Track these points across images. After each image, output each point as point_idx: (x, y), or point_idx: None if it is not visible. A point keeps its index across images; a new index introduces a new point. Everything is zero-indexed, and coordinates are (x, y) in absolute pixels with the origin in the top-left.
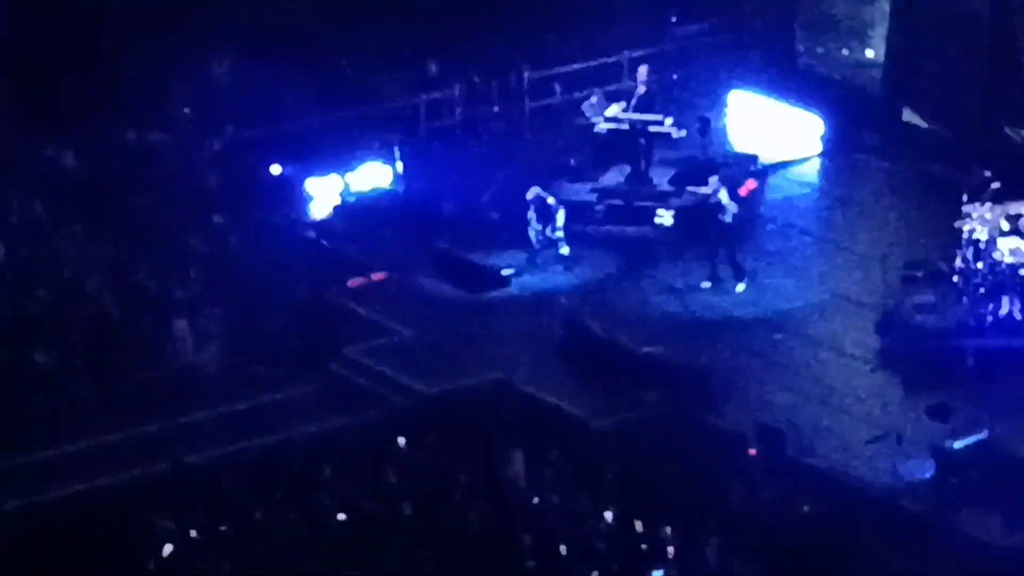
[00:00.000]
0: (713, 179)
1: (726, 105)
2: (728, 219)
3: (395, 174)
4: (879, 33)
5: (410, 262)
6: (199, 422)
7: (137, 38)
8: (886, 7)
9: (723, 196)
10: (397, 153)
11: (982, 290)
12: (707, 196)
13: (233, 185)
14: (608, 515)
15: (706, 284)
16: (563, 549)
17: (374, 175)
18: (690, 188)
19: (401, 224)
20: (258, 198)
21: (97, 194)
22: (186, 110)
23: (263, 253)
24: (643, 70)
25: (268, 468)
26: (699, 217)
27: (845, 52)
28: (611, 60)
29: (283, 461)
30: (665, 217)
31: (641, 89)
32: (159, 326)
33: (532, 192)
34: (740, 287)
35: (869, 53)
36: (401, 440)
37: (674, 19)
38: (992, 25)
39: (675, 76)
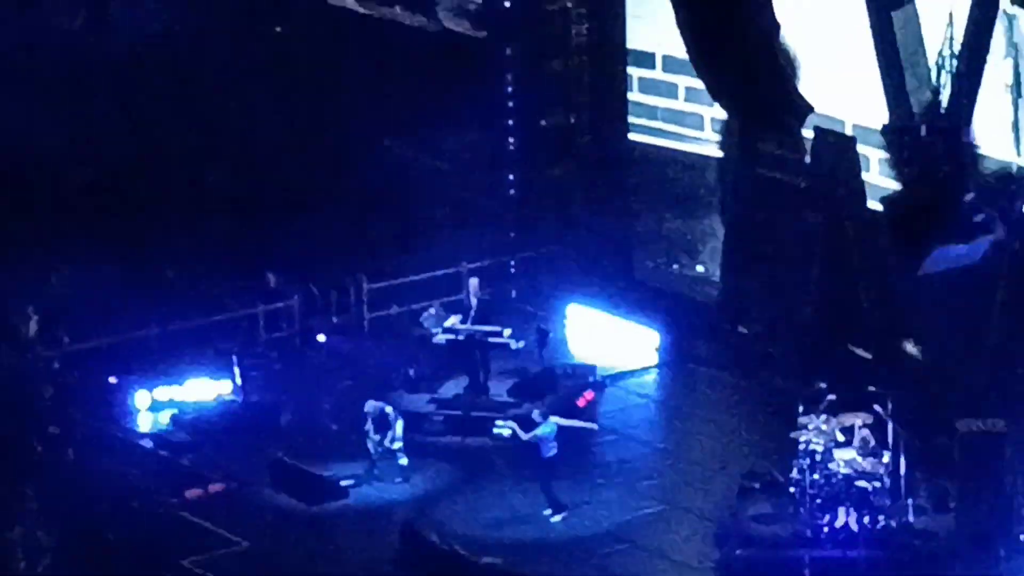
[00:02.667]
0: (535, 413)
1: (565, 317)
2: (549, 452)
3: (233, 384)
4: (709, 248)
5: (248, 473)
6: None
7: None
8: (716, 224)
9: (543, 430)
10: (235, 363)
11: (818, 501)
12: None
13: (68, 396)
14: None
15: (556, 518)
16: None
17: (212, 385)
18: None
19: (239, 435)
20: (93, 409)
21: None
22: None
23: (100, 464)
24: (474, 283)
25: None
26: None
27: (675, 267)
28: (450, 272)
29: None
30: (504, 428)
31: (473, 301)
32: None
33: (370, 405)
34: (556, 519)
35: (699, 268)
36: None
37: (512, 268)
38: (826, 240)
39: (513, 293)
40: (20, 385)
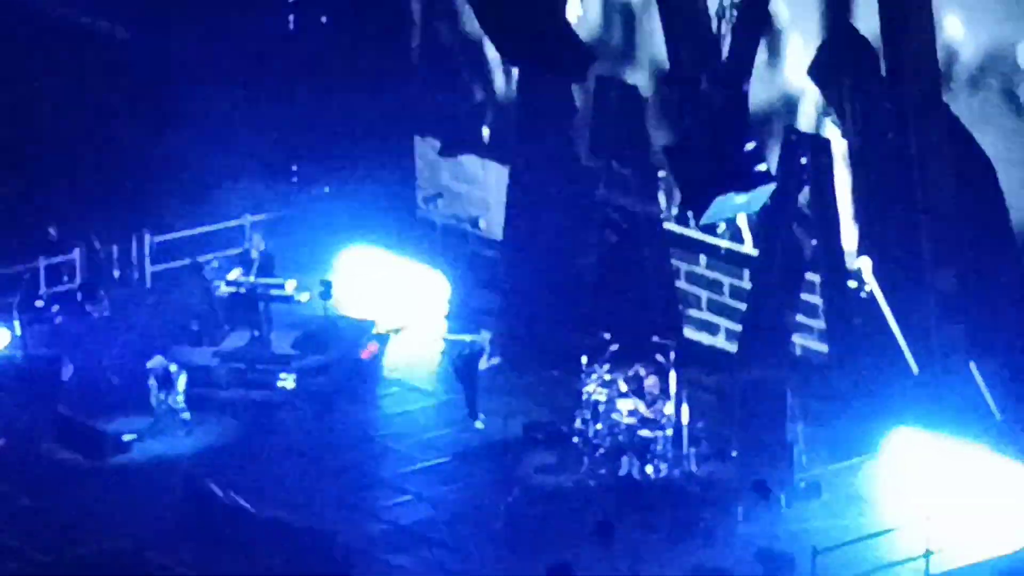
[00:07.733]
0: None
1: (349, 267)
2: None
3: (13, 338)
4: (495, 202)
5: (29, 428)
6: None
7: None
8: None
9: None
10: (16, 317)
11: (601, 450)
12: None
13: None
14: None
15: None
16: None
17: None
18: None
19: (20, 389)
20: None
21: None
22: None
23: None
24: (257, 237)
25: None
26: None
27: (454, 221)
28: (233, 224)
29: None
30: (287, 381)
31: (255, 254)
32: None
33: (154, 362)
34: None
35: (482, 224)
36: None
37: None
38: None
39: (296, 245)
40: None
